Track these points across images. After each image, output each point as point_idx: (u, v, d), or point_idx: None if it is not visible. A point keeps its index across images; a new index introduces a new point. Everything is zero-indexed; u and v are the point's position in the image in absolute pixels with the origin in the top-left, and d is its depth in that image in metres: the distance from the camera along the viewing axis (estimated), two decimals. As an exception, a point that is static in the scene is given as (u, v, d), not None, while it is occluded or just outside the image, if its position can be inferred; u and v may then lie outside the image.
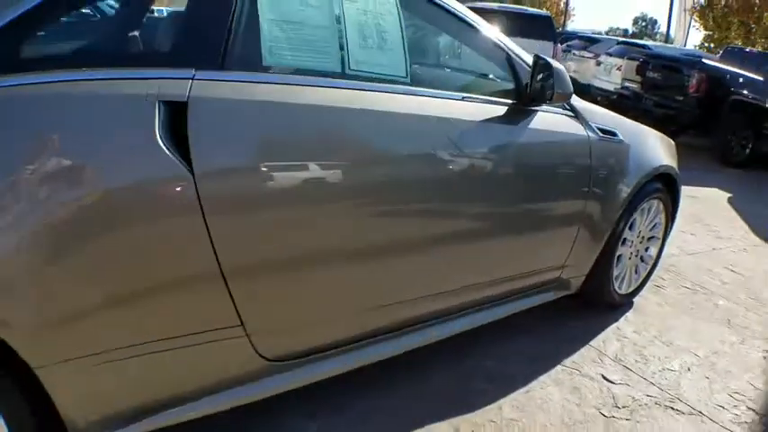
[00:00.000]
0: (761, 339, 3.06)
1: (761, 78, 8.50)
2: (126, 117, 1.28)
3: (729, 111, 8.00)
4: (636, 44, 12.20)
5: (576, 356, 2.59)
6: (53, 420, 1.32)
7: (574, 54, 13.44)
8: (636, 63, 9.50)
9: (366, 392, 2.06)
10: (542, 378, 2.38)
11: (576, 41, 14.67)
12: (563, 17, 31.68)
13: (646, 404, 2.31)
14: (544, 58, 2.15)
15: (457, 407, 2.09)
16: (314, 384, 1.78)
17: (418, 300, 2.01)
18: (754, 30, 24.29)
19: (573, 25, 35.39)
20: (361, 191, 1.68)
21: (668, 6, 23.01)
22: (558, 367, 2.48)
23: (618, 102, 9.32)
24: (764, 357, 2.86)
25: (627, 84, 9.56)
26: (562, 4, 35.71)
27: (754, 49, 13.32)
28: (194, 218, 1.34)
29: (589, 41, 14.33)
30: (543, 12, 14.14)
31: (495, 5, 11.70)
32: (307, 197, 1.55)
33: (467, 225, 2.07)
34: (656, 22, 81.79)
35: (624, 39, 14.33)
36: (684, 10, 21.94)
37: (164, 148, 1.29)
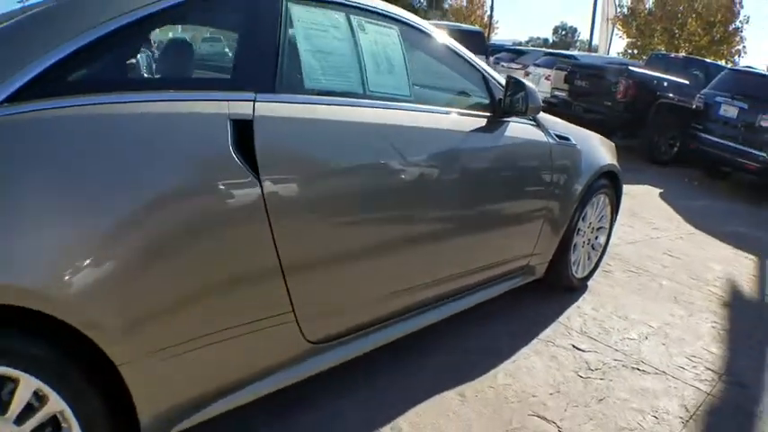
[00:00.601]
0: (707, 312, 3.52)
1: (686, 82, 9.26)
2: (205, 132, 1.53)
3: (657, 113, 8.67)
4: (562, 54, 12.97)
5: (548, 331, 2.97)
6: (123, 414, 1.46)
7: (503, 66, 14.14)
8: (564, 73, 10.16)
9: (380, 371, 2.36)
10: (524, 350, 2.74)
11: (503, 54, 15.41)
12: (488, 30, 32.80)
13: (614, 367, 2.70)
14: (516, 79, 2.55)
15: (459, 376, 2.41)
16: (338, 368, 2.06)
17: (422, 286, 2.32)
18: (677, 35, 25.85)
19: (496, 37, 36.59)
20: (382, 190, 1.99)
21: (590, 16, 24.27)
22: (535, 341, 2.84)
23: (548, 109, 9.92)
24: (713, 327, 3.32)
25: (556, 92, 10.20)
26: (486, 18, 36.96)
27: (679, 55, 14.29)
28: (260, 218, 1.61)
29: (516, 53, 15.07)
30: (475, 27, 14.81)
31: (433, 22, 12.24)
32: (343, 197, 1.85)
33: (458, 219, 2.41)
34: (575, 30, 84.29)
35: (551, 50, 15.12)
36: (607, 19, 23.11)
37: (235, 158, 1.56)
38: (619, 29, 27.36)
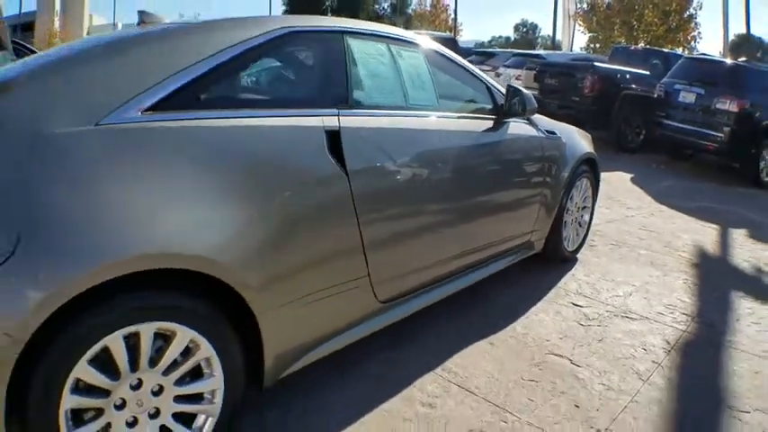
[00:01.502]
0: (678, 272, 4.16)
1: (647, 72, 9.98)
2: (308, 141, 2.08)
3: (621, 104, 9.36)
4: (530, 55, 13.69)
5: (550, 294, 3.57)
6: (251, 355, 1.94)
7: (473, 68, 14.75)
8: (533, 72, 10.83)
9: (423, 332, 2.91)
10: (533, 309, 3.33)
11: (473, 57, 16.07)
12: (453, 33, 33.57)
13: (607, 316, 3.31)
14: (515, 87, 3.16)
15: (485, 331, 2.99)
16: (388, 332, 2.60)
17: (456, 256, 2.90)
18: (636, 27, 26.85)
19: (460, 40, 37.41)
20: (425, 179, 2.55)
21: (551, 12, 25.20)
22: (541, 302, 3.43)
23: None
24: (684, 283, 3.95)
25: (528, 91, 10.85)
26: (450, 21, 37.73)
27: (639, 47, 15.05)
28: (349, 203, 2.14)
29: (486, 56, 15.73)
30: (448, 34, 15.45)
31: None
32: (400, 185, 2.40)
33: (479, 201, 2.99)
34: (536, 26, 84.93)
35: (519, 51, 15.80)
36: (569, 16, 23.91)
37: (329, 157, 2.11)
38: (580, 24, 28.36)
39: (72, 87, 1.65)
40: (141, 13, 2.63)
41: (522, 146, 3.34)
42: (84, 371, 1.50)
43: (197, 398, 1.80)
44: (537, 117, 3.59)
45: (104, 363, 1.55)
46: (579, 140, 4.08)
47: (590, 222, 4.39)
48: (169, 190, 1.67)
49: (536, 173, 3.48)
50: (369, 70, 2.46)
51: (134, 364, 1.62)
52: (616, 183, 7.27)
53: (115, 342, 1.54)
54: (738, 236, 5.32)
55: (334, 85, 2.28)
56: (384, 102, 2.51)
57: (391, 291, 2.49)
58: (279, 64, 2.35)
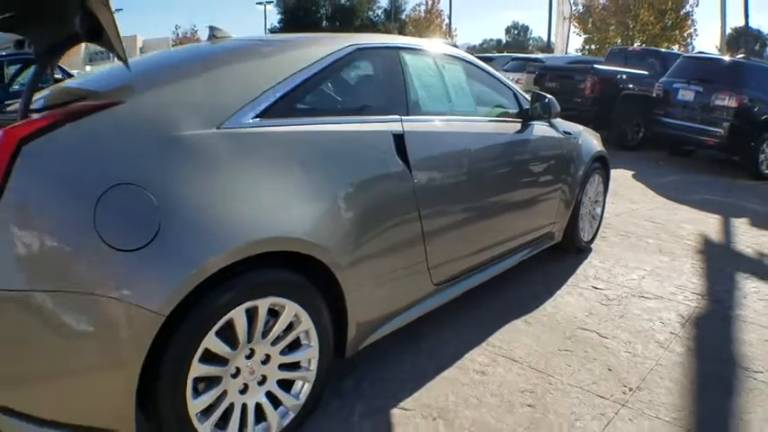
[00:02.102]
0: (685, 258, 4.52)
1: (645, 72, 10.37)
2: (380, 143, 2.43)
3: (621, 104, 9.74)
4: (529, 58, 14.09)
5: (571, 279, 3.92)
6: (337, 326, 2.23)
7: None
8: (533, 75, 11.21)
9: (463, 314, 3.24)
10: (559, 292, 3.68)
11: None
12: (447, 37, 34.02)
13: (625, 296, 3.66)
14: (540, 93, 3.53)
15: (519, 312, 3.33)
16: (433, 315, 2.94)
17: (494, 245, 3.26)
18: (632, 27, 27.29)
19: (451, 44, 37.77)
20: (470, 175, 2.89)
21: (541, 13, 25.64)
22: (565, 286, 3.79)
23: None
24: (692, 267, 4.31)
25: (529, 94, 11.25)
26: (444, 26, 38.22)
27: (636, 48, 15.44)
28: (412, 196, 2.49)
29: (485, 60, 16.10)
30: (450, 41, 15.81)
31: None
32: (452, 181, 2.75)
33: (512, 195, 3.35)
34: (527, 28, 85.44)
35: (518, 54, 16.20)
36: (564, 18, 24.29)
37: (396, 157, 2.45)
38: (575, 26, 28.84)
39: (196, 95, 1.98)
40: (212, 28, 2.98)
41: (545, 146, 3.70)
42: (212, 341, 1.80)
43: (296, 366, 2.13)
44: (555, 119, 3.95)
45: (227, 334, 1.86)
46: (591, 140, 4.45)
47: (602, 215, 4.75)
48: (278, 185, 2.00)
49: (557, 170, 3.84)
50: (421, 81, 2.82)
51: (249, 336, 1.93)
52: (620, 179, 7.62)
53: (238, 315, 1.86)
54: (740, 224, 5.69)
55: (396, 95, 2.63)
56: (434, 108, 2.87)
57: (443, 275, 2.83)
58: (351, 76, 2.68)
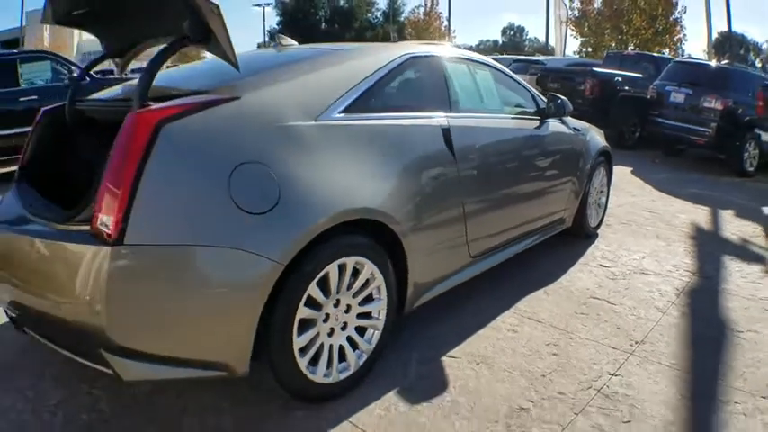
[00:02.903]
0: (679, 243, 5.05)
1: (640, 75, 10.93)
2: (432, 135, 2.93)
3: (618, 105, 10.29)
4: (531, 61, 14.64)
5: (581, 259, 4.45)
6: (401, 282, 2.75)
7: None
8: (536, 77, 11.75)
9: (487, 288, 3.75)
10: (571, 270, 4.20)
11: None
12: (447, 40, 34.56)
13: (629, 273, 4.19)
14: (555, 95, 4.05)
15: (538, 285, 3.85)
16: (465, 287, 3.45)
17: (517, 225, 3.76)
18: (625, 31, 27.98)
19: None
20: (500, 165, 3.42)
21: (542, 19, 26.27)
22: (576, 265, 4.31)
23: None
24: (685, 249, 4.85)
25: (531, 95, 11.80)
26: (443, 28, 38.77)
27: (631, 52, 16.01)
28: (456, 180, 2.99)
29: (486, 63, 16.62)
30: (452, 44, 16.35)
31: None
32: (486, 169, 3.26)
33: (532, 183, 3.86)
34: (523, 29, 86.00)
35: (519, 57, 16.74)
36: (561, 22, 24.86)
37: (445, 147, 2.96)
38: (572, 29, 29.51)
39: (297, 93, 2.46)
40: (278, 35, 3.49)
41: (559, 140, 4.22)
42: (314, 289, 2.29)
43: (368, 316, 2.62)
44: (566, 117, 4.48)
45: (322, 285, 2.35)
46: (596, 136, 4.98)
47: (606, 204, 5.28)
48: (360, 167, 2.51)
49: (568, 162, 4.36)
50: (459, 83, 3.33)
51: (338, 288, 2.42)
52: (619, 175, 8.12)
53: (333, 269, 2.35)
54: (726, 215, 6.24)
55: (441, 95, 3.15)
56: (470, 107, 3.40)
57: (478, 249, 3.34)
58: (407, 79, 3.13)
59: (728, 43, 25.91)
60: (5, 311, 2.52)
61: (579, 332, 3.20)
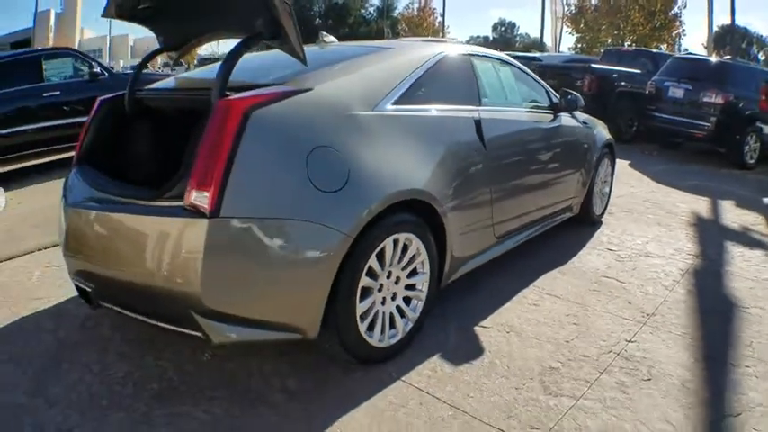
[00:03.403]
0: (680, 229, 5.37)
1: (638, 71, 11.25)
2: (466, 126, 3.24)
3: (616, 100, 10.60)
4: (527, 57, 14.90)
5: (589, 244, 4.76)
6: (441, 255, 3.05)
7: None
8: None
9: (504, 271, 4.07)
10: (581, 253, 4.52)
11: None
12: (441, 35, 34.82)
13: (635, 256, 4.51)
14: (568, 90, 4.36)
15: (553, 265, 4.15)
16: (482, 270, 3.75)
17: (534, 210, 4.07)
18: (622, 27, 28.33)
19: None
20: (522, 154, 3.74)
21: (539, 16, 26.54)
22: (585, 248, 4.62)
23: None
24: (687, 235, 5.18)
25: (529, 90, 12.11)
26: (437, 24, 39.04)
27: (629, 48, 16.32)
28: (486, 167, 3.30)
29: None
30: (445, 39, 16.63)
31: (413, 39, 14.01)
32: (509, 158, 3.58)
33: (547, 172, 4.17)
34: (515, 25, 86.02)
35: (517, 53, 17.00)
36: (557, 18, 25.19)
37: (476, 137, 3.26)
38: (568, 26, 29.89)
39: (358, 86, 2.77)
40: (321, 33, 3.77)
41: (570, 133, 4.54)
42: (373, 261, 2.59)
43: (413, 287, 2.91)
44: (576, 112, 4.79)
45: (379, 258, 2.64)
46: (602, 129, 5.30)
47: (609, 193, 5.60)
48: (409, 153, 2.81)
49: (578, 153, 4.68)
50: (486, 79, 3.64)
51: (391, 261, 2.71)
52: (618, 167, 8.27)
53: (389, 244, 2.65)
54: (727, 205, 6.57)
55: (472, 89, 3.45)
56: (496, 101, 3.70)
57: (501, 231, 3.64)
58: (443, 75, 3.37)
59: (730, 36, 26.18)
60: (77, 286, 2.76)
61: (594, 306, 3.52)
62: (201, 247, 2.12)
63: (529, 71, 4.35)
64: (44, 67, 7.85)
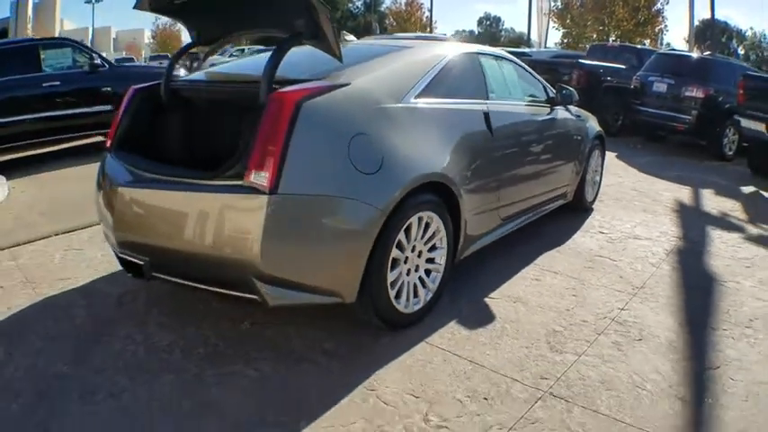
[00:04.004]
0: (665, 215, 5.79)
1: (623, 66, 11.68)
2: (477, 118, 3.60)
3: (603, 94, 11.02)
4: (516, 52, 15.30)
5: (582, 228, 5.14)
6: (456, 233, 3.38)
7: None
8: (524, 68, 12.42)
9: (509, 249, 4.42)
10: (575, 236, 4.90)
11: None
12: (429, 30, 35.15)
13: (624, 238, 4.90)
14: (562, 85, 4.74)
15: (550, 247, 4.53)
16: (484, 253, 4.12)
17: (535, 195, 4.44)
18: (607, 23, 28.85)
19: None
20: (524, 143, 4.11)
21: (526, 11, 27.01)
22: (578, 232, 5.00)
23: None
24: (671, 220, 5.59)
25: (519, 85, 12.51)
26: (425, 18, 39.38)
27: (615, 44, 16.80)
28: (494, 155, 3.67)
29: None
30: (441, 35, 17.01)
31: (401, 35, 14.35)
32: (513, 146, 3.94)
33: (545, 160, 4.55)
34: (500, 19, 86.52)
35: (507, 49, 17.39)
36: (544, 14, 25.66)
37: (485, 128, 3.62)
38: (554, 21, 30.38)
39: (387, 81, 3.12)
40: (342, 32, 4.11)
41: (565, 125, 4.92)
42: (401, 235, 2.93)
43: (433, 261, 3.26)
44: (570, 105, 5.17)
45: (407, 233, 2.98)
46: (593, 122, 5.69)
47: (600, 182, 6.00)
48: (430, 141, 3.17)
49: (572, 144, 5.06)
50: (492, 75, 4.00)
51: (415, 236, 3.06)
52: (606, 159, 8.86)
53: (414, 221, 2.99)
54: (707, 193, 7.01)
55: (480, 84, 3.82)
56: (501, 95, 4.06)
57: (506, 213, 4.01)
58: (456, 71, 3.71)
59: (710, 31, 26.75)
60: (124, 260, 2.96)
61: (590, 280, 3.91)
62: (262, 219, 2.45)
63: (527, 67, 4.72)
64: (42, 56, 7.84)
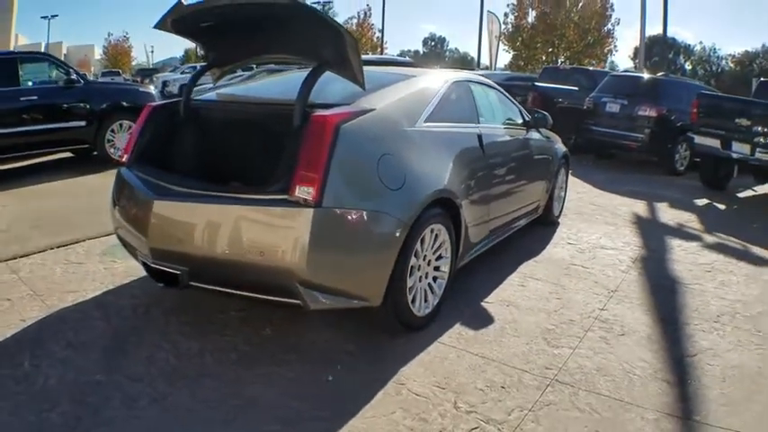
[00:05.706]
0: (625, 227, 6.31)
1: (575, 88, 12.36)
2: (473, 139, 4.01)
3: (557, 116, 11.61)
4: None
5: (553, 240, 5.60)
6: (457, 242, 3.76)
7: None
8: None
9: (487, 262, 4.84)
10: (548, 247, 5.34)
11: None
12: (380, 51, 35.81)
13: (592, 248, 5.37)
14: (537, 110, 5.23)
15: (528, 257, 4.95)
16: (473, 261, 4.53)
17: (514, 210, 4.86)
18: (557, 44, 29.93)
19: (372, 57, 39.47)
20: (505, 162, 4.52)
21: (476, 33, 27.81)
22: (549, 244, 5.44)
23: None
24: (631, 231, 6.12)
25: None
26: (375, 39, 40.04)
27: (567, 66, 17.56)
28: (487, 173, 4.08)
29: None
30: (406, 59, 17.50)
31: (371, 56, 14.77)
32: (498, 163, 4.35)
33: (521, 179, 4.96)
34: (444, 40, 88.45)
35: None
36: (495, 37, 26.51)
37: (478, 146, 4.03)
38: (504, 44, 31.38)
39: (404, 107, 3.49)
40: None
41: (538, 146, 5.40)
42: (418, 245, 3.27)
43: (439, 269, 3.62)
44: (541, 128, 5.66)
45: (421, 243, 3.32)
46: (559, 142, 6.21)
47: (564, 198, 6.51)
48: (439, 159, 3.55)
49: (543, 163, 5.54)
50: (480, 101, 4.43)
51: (428, 246, 3.41)
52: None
53: (428, 232, 3.35)
54: (662, 206, 7.62)
55: (472, 110, 4.24)
56: (488, 118, 4.49)
57: (493, 225, 4.42)
58: (454, 98, 4.12)
59: (659, 47, 27.70)
60: (155, 270, 3.02)
61: (569, 285, 4.35)
62: (308, 231, 2.73)
63: (506, 93, 5.18)
64: (20, 71, 7.86)
